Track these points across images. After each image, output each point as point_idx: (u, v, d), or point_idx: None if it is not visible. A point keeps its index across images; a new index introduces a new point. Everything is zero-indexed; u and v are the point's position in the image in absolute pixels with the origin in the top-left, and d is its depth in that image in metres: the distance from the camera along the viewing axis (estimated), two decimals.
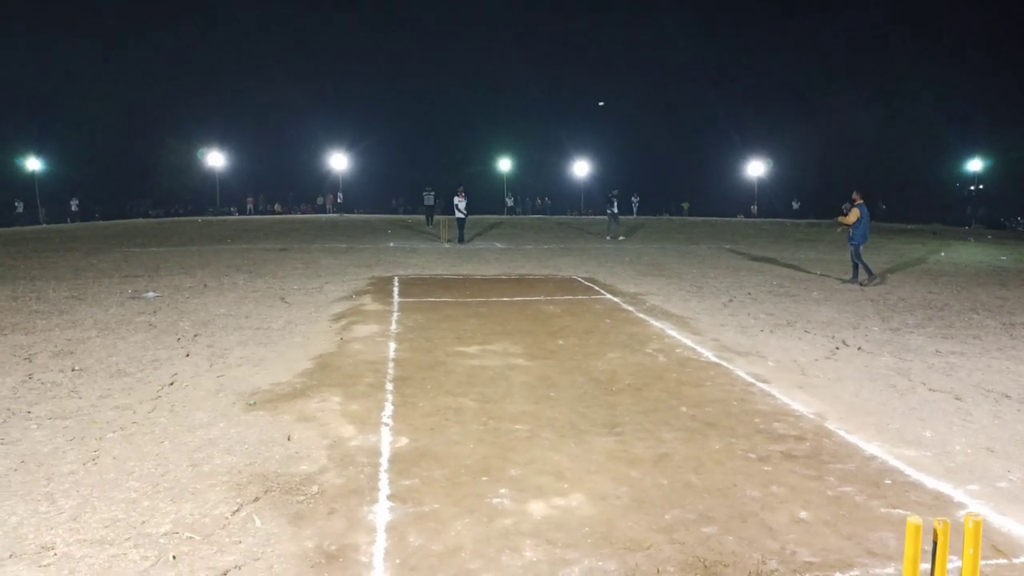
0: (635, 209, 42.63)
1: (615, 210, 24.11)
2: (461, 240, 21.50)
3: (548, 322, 9.03)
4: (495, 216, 38.17)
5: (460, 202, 21.56)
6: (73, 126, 39.77)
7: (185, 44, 49.78)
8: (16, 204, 34.19)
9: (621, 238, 23.54)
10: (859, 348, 7.76)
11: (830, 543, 3.44)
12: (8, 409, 5.33)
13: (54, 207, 36.02)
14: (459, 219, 21.71)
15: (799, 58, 51.97)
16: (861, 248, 12.79)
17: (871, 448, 4.75)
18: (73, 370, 6.47)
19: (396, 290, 11.69)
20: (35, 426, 4.97)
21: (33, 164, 35.63)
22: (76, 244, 20.42)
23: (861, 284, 12.63)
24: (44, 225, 32.47)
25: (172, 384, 6.07)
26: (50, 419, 5.12)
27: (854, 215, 12.56)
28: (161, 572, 3.13)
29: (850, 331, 8.66)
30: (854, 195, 12.68)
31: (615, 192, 24.59)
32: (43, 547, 3.31)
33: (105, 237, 23.36)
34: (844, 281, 13.00)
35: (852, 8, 50.05)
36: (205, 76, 48.69)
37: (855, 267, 12.94)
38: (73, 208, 36.63)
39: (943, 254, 19.55)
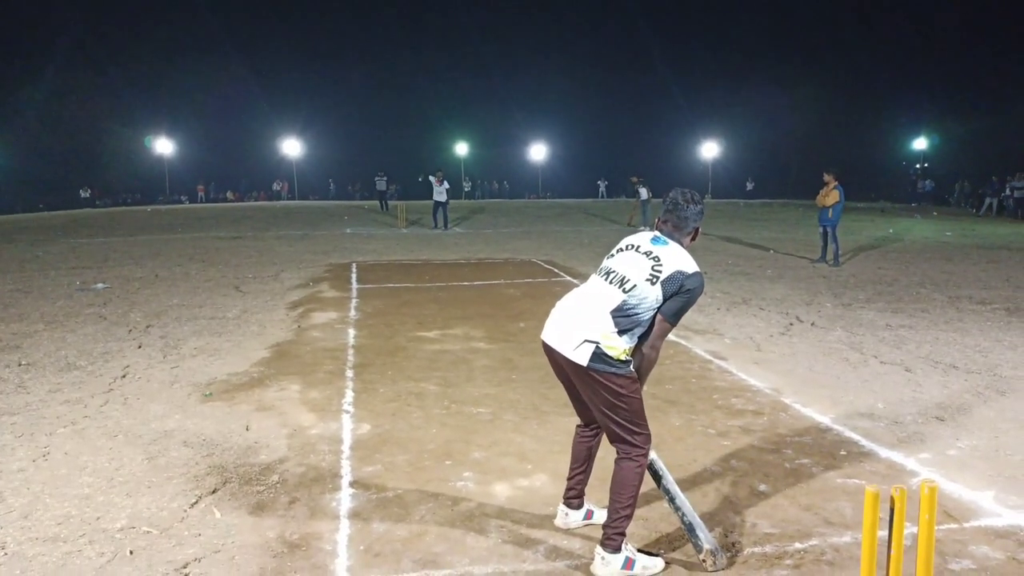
0: (602, 193, 43.38)
1: (644, 196, 21.81)
2: (445, 226, 21.09)
3: (508, 305, 9.03)
4: (453, 200, 38.03)
5: (438, 186, 21.19)
6: (11, 113, 38.36)
7: (127, 26, 48.30)
8: None
9: (631, 225, 21.96)
10: (812, 324, 7.91)
11: (789, 514, 3.51)
12: None
13: None
14: (437, 203, 21.32)
15: (749, 38, 52.57)
16: (837, 229, 12.88)
17: (826, 420, 4.85)
18: (20, 365, 6.27)
19: (354, 276, 11.57)
20: None
21: None
22: (20, 235, 19.76)
23: (828, 262, 12.85)
24: None
25: (124, 376, 5.92)
26: None
27: (835, 196, 12.66)
28: (118, 568, 3.05)
29: (803, 307, 8.83)
30: (826, 177, 12.69)
31: (636, 178, 22.39)
32: None
33: (50, 228, 22.63)
34: (814, 261, 13.07)
35: None
36: (150, 59, 47.32)
37: (824, 247, 13.06)
38: None
39: (891, 231, 20.04)
